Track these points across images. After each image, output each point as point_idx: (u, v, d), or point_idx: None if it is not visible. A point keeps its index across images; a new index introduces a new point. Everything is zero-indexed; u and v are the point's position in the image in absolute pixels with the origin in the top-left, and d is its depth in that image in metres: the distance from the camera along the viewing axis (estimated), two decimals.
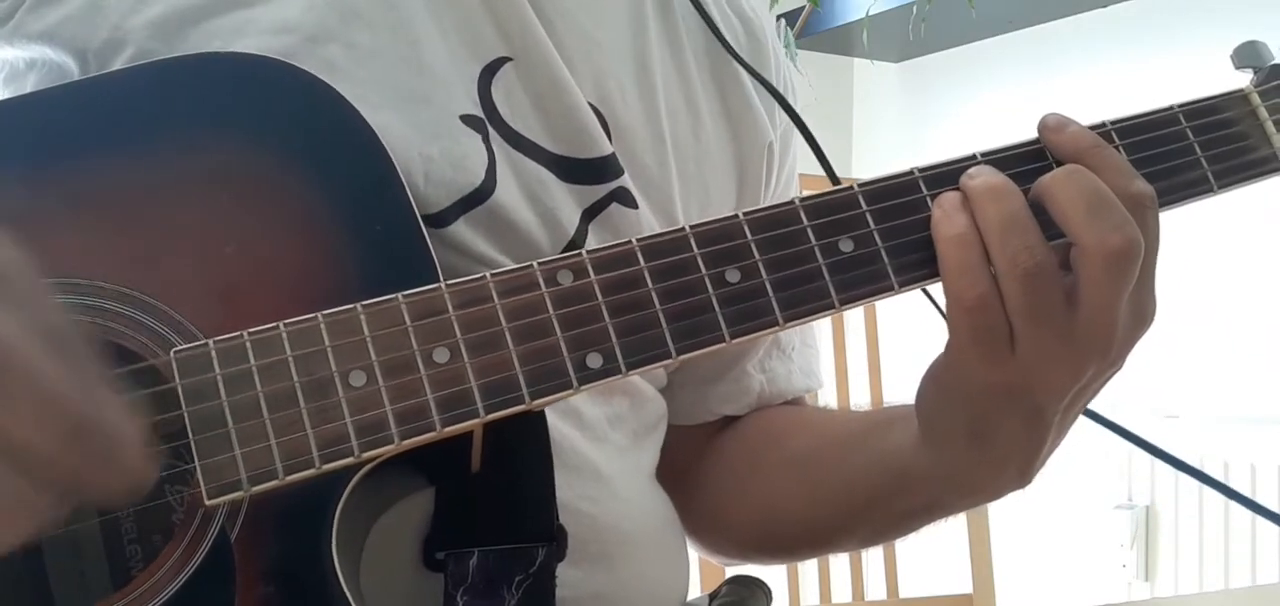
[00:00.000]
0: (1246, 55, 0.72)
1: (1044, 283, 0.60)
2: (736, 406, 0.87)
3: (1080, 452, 2.43)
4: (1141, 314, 0.63)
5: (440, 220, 0.67)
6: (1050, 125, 0.66)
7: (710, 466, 0.87)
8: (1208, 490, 2.27)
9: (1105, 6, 2.53)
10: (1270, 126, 0.69)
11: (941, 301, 0.63)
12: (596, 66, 0.76)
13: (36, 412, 0.44)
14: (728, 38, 0.83)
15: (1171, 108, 0.68)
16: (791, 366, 0.89)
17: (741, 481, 0.85)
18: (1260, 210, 0.72)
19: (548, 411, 0.59)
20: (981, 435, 0.66)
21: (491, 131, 0.71)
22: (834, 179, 0.79)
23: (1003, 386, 0.63)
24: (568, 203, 0.72)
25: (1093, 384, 0.65)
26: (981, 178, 0.62)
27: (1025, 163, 0.65)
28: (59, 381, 0.44)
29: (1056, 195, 0.62)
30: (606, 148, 0.74)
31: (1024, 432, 0.65)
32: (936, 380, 0.67)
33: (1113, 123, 0.67)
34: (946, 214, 0.62)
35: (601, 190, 0.74)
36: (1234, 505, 2.22)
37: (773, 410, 0.88)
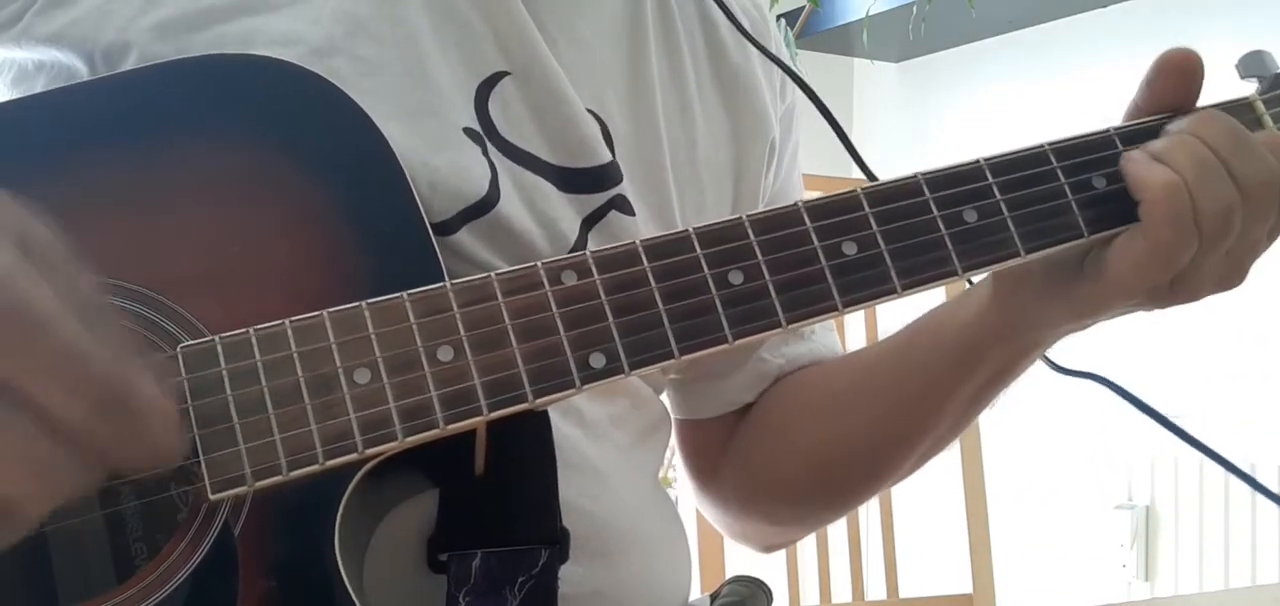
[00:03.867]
0: (1252, 65, 0.72)
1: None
2: (756, 391, 0.87)
3: (1080, 452, 2.44)
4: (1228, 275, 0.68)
5: (444, 229, 0.68)
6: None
7: (746, 437, 0.87)
8: (1208, 491, 2.27)
9: (1105, 6, 2.53)
10: (1277, 133, 0.69)
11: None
12: (595, 76, 0.76)
13: (70, 383, 0.45)
14: (726, 32, 0.83)
15: (1176, 115, 0.68)
16: (812, 344, 0.89)
17: (790, 432, 0.86)
18: None
19: (550, 411, 0.60)
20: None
21: (489, 145, 0.71)
22: (864, 168, 0.80)
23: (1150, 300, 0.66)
24: (567, 212, 0.73)
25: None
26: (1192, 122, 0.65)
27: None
28: (91, 349, 0.46)
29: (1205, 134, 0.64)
30: (606, 156, 0.75)
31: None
32: (1076, 276, 0.67)
33: (1115, 128, 0.67)
34: (1149, 164, 0.64)
35: (600, 198, 0.74)
36: (1234, 504, 2.23)
37: (799, 372, 0.88)
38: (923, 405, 0.80)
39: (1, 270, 0.45)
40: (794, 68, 0.86)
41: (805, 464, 0.85)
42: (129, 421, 0.47)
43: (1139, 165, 0.64)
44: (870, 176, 0.75)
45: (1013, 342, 0.73)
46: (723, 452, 0.88)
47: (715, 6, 0.83)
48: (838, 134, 0.81)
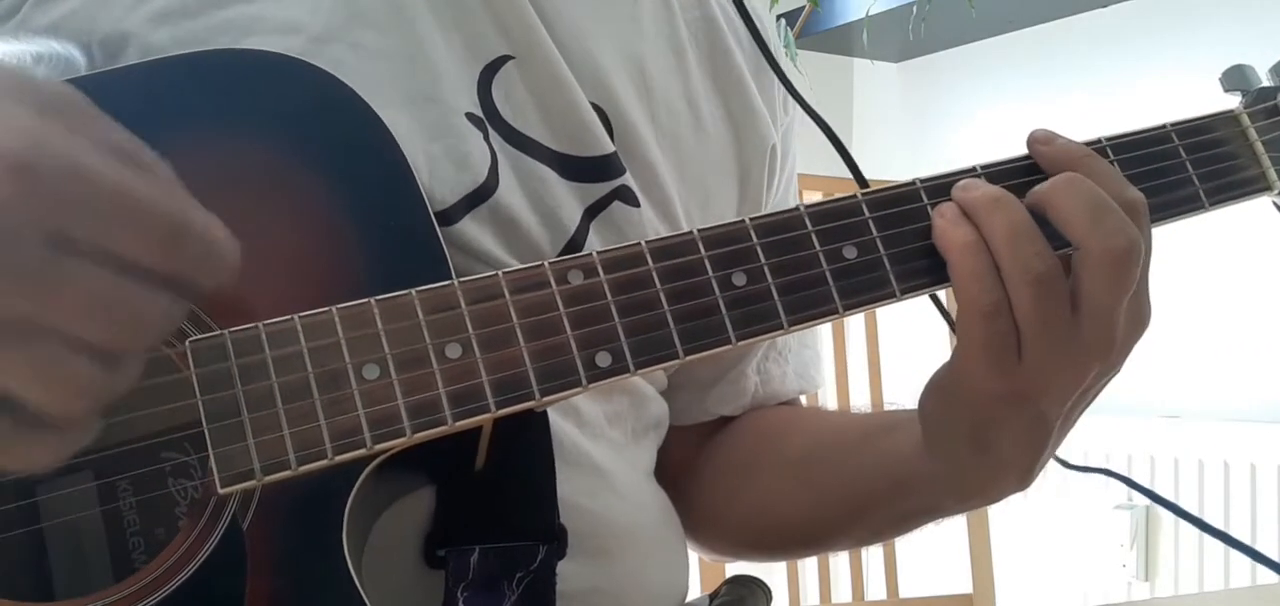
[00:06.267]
0: (1235, 79, 0.73)
1: (1054, 288, 0.61)
2: (732, 407, 0.88)
3: (1080, 453, 2.44)
4: (1139, 317, 0.64)
5: (447, 217, 0.68)
6: (1039, 138, 0.66)
7: (705, 466, 0.88)
8: (1208, 491, 2.27)
9: (1105, 6, 2.53)
10: (1259, 147, 0.71)
11: (949, 308, 0.64)
12: (597, 66, 0.76)
13: (136, 225, 0.46)
14: (731, 40, 0.84)
15: (1165, 126, 0.69)
16: (786, 369, 0.90)
17: (736, 483, 0.86)
18: (1259, 211, 0.73)
19: (548, 408, 0.60)
20: (984, 442, 0.66)
21: (491, 130, 0.71)
22: (859, 178, 0.80)
23: (1008, 394, 0.63)
24: (569, 200, 0.73)
25: (1093, 387, 0.65)
26: (979, 190, 0.63)
27: (1018, 176, 0.66)
28: (145, 189, 0.46)
29: (1058, 201, 0.62)
30: (608, 146, 0.75)
31: (1026, 438, 0.66)
32: (940, 390, 0.67)
33: (1108, 139, 0.68)
34: (951, 222, 0.62)
35: (603, 188, 0.74)
36: (1234, 506, 2.23)
37: (769, 412, 0.89)
38: (857, 508, 0.80)
39: (31, 132, 0.45)
40: (795, 67, 0.87)
41: (745, 513, 0.86)
42: (198, 245, 0.48)
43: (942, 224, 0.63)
44: (862, 184, 0.76)
45: (941, 486, 0.73)
46: (691, 465, 0.88)
47: (717, 11, 0.83)
48: (836, 145, 0.81)
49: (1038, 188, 0.63)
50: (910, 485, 0.74)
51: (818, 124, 0.81)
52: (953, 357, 0.65)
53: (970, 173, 0.65)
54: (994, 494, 0.71)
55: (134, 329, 0.47)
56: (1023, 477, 0.68)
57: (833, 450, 0.83)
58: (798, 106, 0.89)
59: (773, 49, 0.85)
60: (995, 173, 0.66)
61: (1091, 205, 0.62)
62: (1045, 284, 0.60)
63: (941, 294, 0.68)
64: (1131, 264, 0.61)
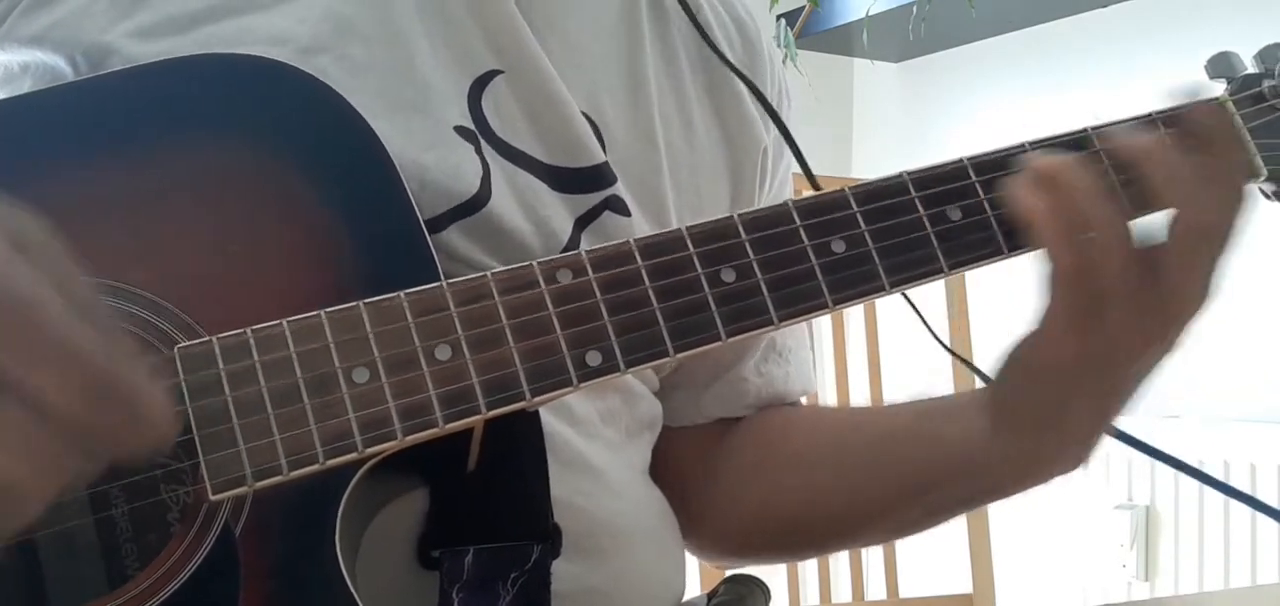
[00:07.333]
0: (1220, 66, 0.73)
1: (1138, 251, 0.62)
2: (731, 409, 0.88)
3: None
4: (1208, 292, 0.65)
5: (432, 227, 0.68)
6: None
7: (720, 468, 0.87)
8: (1208, 490, 2.27)
9: (1105, 6, 2.52)
10: (1245, 134, 0.70)
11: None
12: (588, 76, 0.76)
13: (62, 370, 0.45)
14: (722, 43, 0.84)
15: (1150, 114, 0.69)
16: (789, 369, 0.89)
17: (770, 481, 0.86)
18: (1259, 211, 0.73)
19: (541, 408, 0.60)
20: (1060, 413, 0.67)
21: (484, 143, 0.72)
22: (816, 189, 0.80)
23: (1091, 356, 0.64)
24: (561, 211, 0.73)
25: (1152, 364, 0.67)
26: (1052, 158, 0.64)
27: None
28: (84, 339, 0.46)
29: (1157, 162, 0.64)
30: (599, 156, 0.75)
31: (1099, 408, 0.67)
32: (1021, 362, 0.68)
33: (1094, 128, 0.68)
34: (1033, 188, 0.63)
35: (594, 198, 0.74)
36: (1234, 505, 2.23)
37: (784, 410, 0.89)
38: (907, 495, 0.80)
39: None
40: (794, 67, 0.87)
41: (779, 513, 0.86)
42: (121, 408, 0.47)
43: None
44: (814, 185, 0.76)
45: (1007, 466, 0.73)
46: (697, 469, 0.87)
47: (709, 16, 0.84)
48: (794, 151, 0.81)
49: (1128, 145, 0.64)
50: (974, 468, 0.74)
51: (773, 118, 0.81)
52: (1035, 328, 0.65)
53: (1020, 150, 0.66)
54: (1051, 472, 0.72)
55: (38, 475, 0.46)
56: (1082, 455, 0.70)
57: (878, 439, 0.83)
58: (795, 107, 0.89)
59: (753, 46, 0.84)
60: (1044, 147, 0.66)
61: (1198, 173, 0.63)
62: (1129, 244, 0.62)
63: (876, 306, 0.68)
64: (1222, 237, 0.63)
